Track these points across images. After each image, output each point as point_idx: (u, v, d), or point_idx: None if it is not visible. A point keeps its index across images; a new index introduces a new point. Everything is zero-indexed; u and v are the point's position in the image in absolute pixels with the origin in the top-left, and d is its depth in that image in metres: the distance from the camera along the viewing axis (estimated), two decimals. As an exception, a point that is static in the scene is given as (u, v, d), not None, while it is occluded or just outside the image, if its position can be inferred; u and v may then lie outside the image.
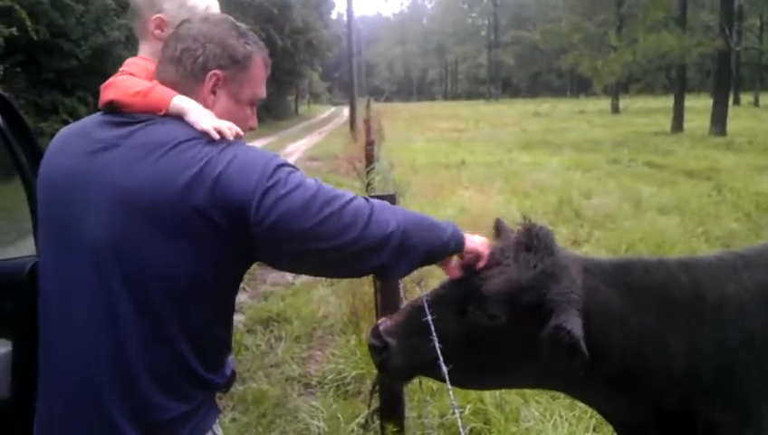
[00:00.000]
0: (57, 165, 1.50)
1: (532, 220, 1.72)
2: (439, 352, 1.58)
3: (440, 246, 1.58)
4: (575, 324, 1.49)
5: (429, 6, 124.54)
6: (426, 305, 1.68)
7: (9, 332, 2.07)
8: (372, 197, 1.58)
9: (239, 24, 1.58)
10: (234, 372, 1.67)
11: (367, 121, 15.08)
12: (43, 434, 1.47)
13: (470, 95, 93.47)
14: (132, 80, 1.53)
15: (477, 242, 1.67)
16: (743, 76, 51.00)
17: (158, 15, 1.68)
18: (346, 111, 37.78)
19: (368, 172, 8.00)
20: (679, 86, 27.85)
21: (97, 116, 1.54)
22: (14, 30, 12.90)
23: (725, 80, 25.30)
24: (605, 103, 45.08)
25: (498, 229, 1.79)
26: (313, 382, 4.33)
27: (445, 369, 1.55)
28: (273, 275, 6.65)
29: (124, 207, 1.36)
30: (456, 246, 1.61)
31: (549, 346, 1.51)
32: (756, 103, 42.79)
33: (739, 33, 36.78)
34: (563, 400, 3.47)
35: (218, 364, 1.56)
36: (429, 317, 1.64)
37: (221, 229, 1.35)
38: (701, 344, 1.66)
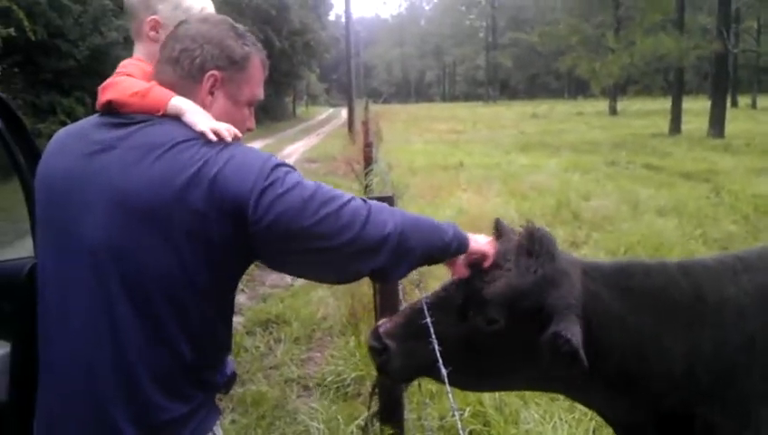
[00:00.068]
0: (55, 166, 1.50)
1: (534, 223, 1.72)
2: (439, 354, 1.57)
3: (441, 248, 1.57)
4: (574, 332, 1.49)
5: (427, 8, 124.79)
6: (425, 308, 1.68)
7: (8, 333, 2.07)
8: (371, 198, 1.58)
9: (237, 25, 1.57)
10: (234, 373, 1.67)
11: (365, 123, 15.10)
12: (42, 436, 1.46)
13: (468, 97, 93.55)
14: (130, 80, 1.52)
15: (482, 242, 1.67)
16: (740, 78, 51.13)
17: (152, 17, 1.68)
18: (344, 112, 37.85)
19: (366, 174, 8.01)
20: (677, 88, 27.91)
21: (95, 117, 1.54)
22: (11, 30, 12.89)
23: (723, 82, 25.36)
24: (603, 105, 45.14)
25: (498, 230, 1.78)
26: (312, 384, 4.32)
27: (444, 372, 1.55)
28: (272, 277, 6.65)
29: (122, 208, 1.36)
30: (459, 246, 1.61)
31: (548, 352, 1.51)
32: (754, 105, 42.88)
33: (736, 35, 36.86)
34: (563, 402, 3.47)
35: (218, 364, 1.55)
36: (429, 320, 1.64)
37: (219, 229, 1.35)
38: (701, 347, 1.66)
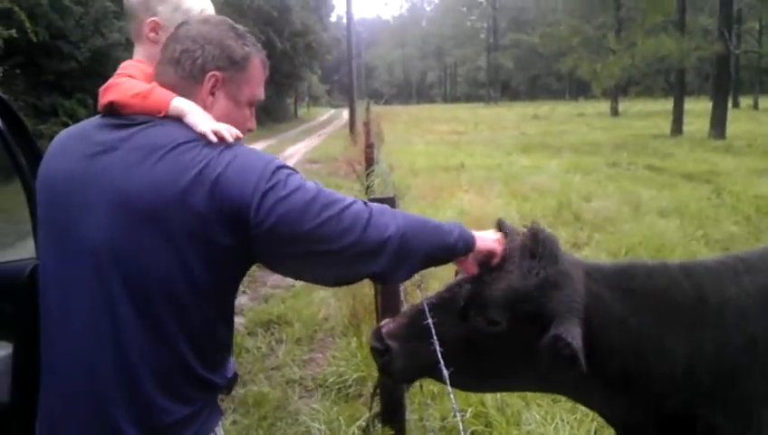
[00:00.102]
0: (57, 167, 1.50)
1: (538, 224, 1.72)
2: (440, 355, 1.57)
3: (445, 249, 1.57)
4: (575, 335, 1.49)
5: (428, 9, 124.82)
6: (426, 309, 1.68)
7: (9, 334, 2.07)
8: (372, 199, 1.59)
9: (237, 25, 1.58)
10: (235, 374, 1.67)
11: (366, 124, 15.10)
12: (43, 437, 1.47)
13: (469, 98, 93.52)
14: (131, 81, 1.53)
15: (490, 240, 1.67)
16: (742, 79, 51.09)
17: (152, 18, 1.68)
18: (345, 113, 37.82)
19: (367, 175, 8.01)
20: (678, 89, 27.88)
21: (96, 119, 1.54)
22: (13, 32, 12.90)
23: (725, 83, 25.34)
24: (604, 106, 45.11)
25: (501, 230, 1.78)
26: (314, 385, 4.32)
27: (445, 372, 1.55)
28: (274, 278, 6.65)
29: (123, 209, 1.36)
30: (465, 246, 1.60)
31: (548, 355, 1.51)
32: (755, 106, 42.84)
33: (738, 36, 36.89)
34: (565, 403, 3.46)
35: (219, 365, 1.55)
36: (430, 320, 1.64)
37: (220, 231, 1.35)
38: (703, 348, 1.66)
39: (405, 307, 2.89)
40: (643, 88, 54.01)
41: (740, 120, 28.60)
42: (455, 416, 1.51)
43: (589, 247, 7.45)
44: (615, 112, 41.12)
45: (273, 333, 5.22)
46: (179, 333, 1.39)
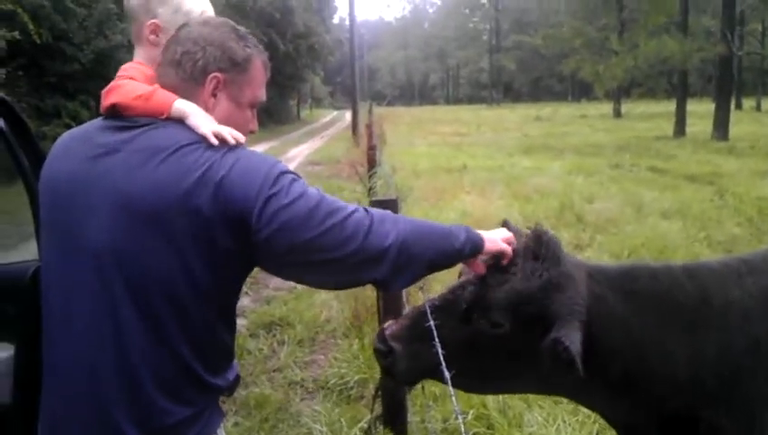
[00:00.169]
0: (59, 169, 1.50)
1: (541, 226, 1.71)
2: (442, 357, 1.57)
3: (450, 254, 1.56)
4: (574, 339, 1.49)
5: (431, 11, 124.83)
6: (429, 311, 1.68)
7: (12, 336, 2.07)
8: (374, 201, 1.58)
9: (238, 27, 1.57)
10: (237, 376, 1.67)
11: (369, 126, 15.09)
12: (45, 439, 1.47)
13: (472, 100, 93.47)
14: (133, 84, 1.53)
15: (499, 239, 1.66)
16: (745, 81, 51.05)
17: (152, 21, 1.68)
18: (348, 115, 37.87)
19: (370, 177, 8.02)
20: (681, 91, 27.85)
21: (99, 121, 1.54)
22: (16, 34, 12.93)
23: (727, 84, 25.29)
24: (607, 108, 45.07)
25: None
26: (316, 387, 4.32)
27: (447, 374, 1.55)
28: (276, 280, 6.64)
29: (126, 212, 1.36)
30: (473, 249, 1.59)
31: (548, 357, 1.51)
32: (758, 108, 42.78)
33: (741, 37, 36.82)
34: (566, 405, 3.46)
35: (221, 368, 1.55)
36: (432, 322, 1.64)
37: (222, 233, 1.35)
38: (706, 350, 1.66)
39: (407, 309, 2.89)
40: (646, 89, 53.90)
41: (743, 122, 28.55)
42: (456, 418, 1.51)
43: (591, 249, 7.44)
44: (618, 114, 41.07)
45: (274, 335, 5.22)
46: (180, 335, 1.39)
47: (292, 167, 1.50)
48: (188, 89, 1.50)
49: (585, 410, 3.06)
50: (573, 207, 9.67)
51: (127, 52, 15.56)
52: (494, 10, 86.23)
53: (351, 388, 4.16)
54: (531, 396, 3.53)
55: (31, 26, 13.50)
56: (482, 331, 1.64)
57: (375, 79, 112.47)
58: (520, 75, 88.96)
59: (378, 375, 3.10)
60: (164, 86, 1.50)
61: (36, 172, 1.92)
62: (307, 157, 21.02)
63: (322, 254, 1.38)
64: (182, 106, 1.45)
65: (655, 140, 23.53)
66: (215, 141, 1.39)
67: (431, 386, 3.20)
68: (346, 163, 16.34)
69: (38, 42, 13.96)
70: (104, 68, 15.33)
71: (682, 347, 1.65)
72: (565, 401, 3.31)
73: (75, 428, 1.41)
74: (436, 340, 1.60)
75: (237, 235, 1.35)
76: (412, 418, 3.32)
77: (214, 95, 1.52)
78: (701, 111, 31.76)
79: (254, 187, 1.34)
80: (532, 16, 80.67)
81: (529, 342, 1.59)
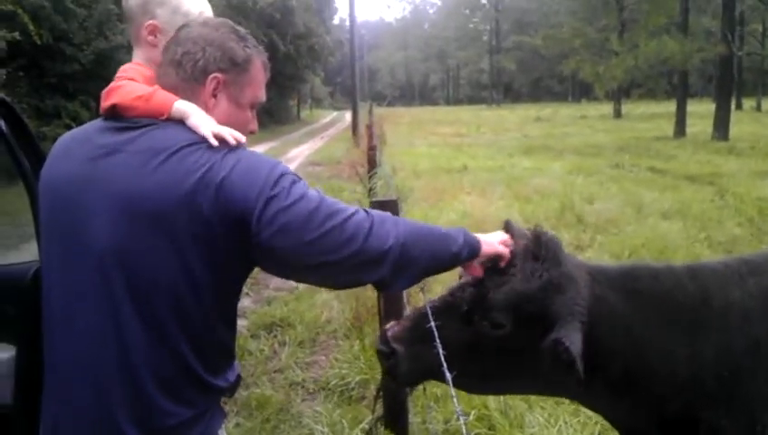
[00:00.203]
0: (59, 171, 1.50)
1: (541, 227, 1.71)
2: (443, 358, 1.57)
3: (448, 257, 1.56)
4: (574, 339, 1.49)
5: (431, 12, 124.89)
6: (430, 312, 1.68)
7: (12, 336, 2.07)
8: (375, 202, 1.58)
9: (238, 27, 1.58)
10: (239, 377, 1.67)
11: (369, 126, 15.09)
12: (47, 440, 1.47)
13: (472, 100, 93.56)
14: (133, 84, 1.52)
15: (496, 243, 1.66)
16: (745, 81, 51.06)
17: (151, 21, 1.67)
18: (348, 115, 37.88)
19: (370, 177, 8.01)
20: (681, 91, 27.85)
21: (98, 122, 1.54)
22: (16, 34, 12.94)
23: (728, 85, 25.29)
24: (607, 108, 45.06)
25: (508, 231, 1.78)
26: (317, 388, 4.32)
27: (448, 375, 1.55)
28: (277, 281, 6.64)
29: (126, 212, 1.36)
30: (471, 252, 1.59)
31: (548, 358, 1.51)
32: (759, 108, 42.77)
33: (741, 38, 36.86)
34: (568, 405, 3.46)
35: (222, 369, 1.55)
36: (433, 323, 1.64)
37: (223, 234, 1.35)
38: (706, 351, 1.66)
39: (408, 310, 2.89)
40: (646, 90, 54.00)
41: (743, 122, 28.55)
42: (458, 419, 1.51)
43: (591, 249, 7.43)
44: (618, 114, 41.07)
45: (275, 336, 5.21)
46: (181, 335, 1.39)
47: (292, 167, 1.49)
48: (189, 89, 1.50)
49: (586, 411, 3.06)
50: (574, 208, 9.67)
51: (127, 52, 15.42)
52: (494, 11, 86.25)
53: (352, 389, 4.16)
54: (532, 397, 3.53)
55: (31, 27, 13.52)
56: (483, 332, 1.65)
57: (375, 79, 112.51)
58: (520, 76, 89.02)
59: (379, 376, 3.09)
60: (164, 86, 1.50)
61: (36, 173, 1.92)
62: (307, 157, 21.02)
63: (323, 256, 1.38)
64: (182, 107, 1.45)
65: (655, 140, 23.53)
66: (215, 142, 1.39)
67: (432, 387, 3.20)
68: (346, 164, 16.36)
69: (38, 42, 13.97)
70: (104, 69, 15.33)
71: (683, 347, 1.65)
72: (567, 401, 3.31)
73: (76, 428, 1.41)
74: (438, 341, 1.60)
75: (238, 235, 1.35)
76: (413, 419, 3.32)
77: (214, 96, 1.52)
78: (701, 111, 31.76)
79: (255, 188, 1.34)
80: (532, 17, 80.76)
81: (530, 342, 1.59)
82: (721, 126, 22.82)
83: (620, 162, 15.96)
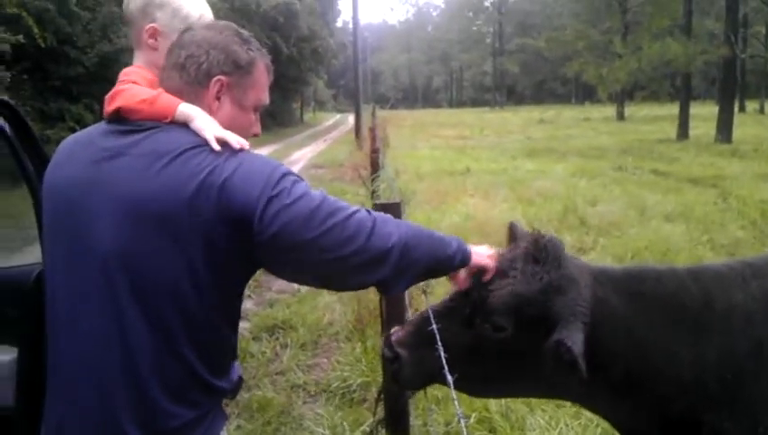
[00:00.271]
0: (63, 173, 1.50)
1: (540, 231, 1.72)
2: (445, 362, 1.57)
3: (445, 261, 1.57)
4: (576, 340, 1.49)
5: (434, 14, 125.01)
6: (431, 316, 1.68)
7: (15, 339, 2.08)
8: (377, 205, 1.59)
9: (242, 30, 1.58)
10: (240, 378, 1.67)
11: (372, 129, 15.10)
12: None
13: (475, 102, 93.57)
14: (137, 88, 1.53)
15: (484, 255, 1.67)
16: (748, 84, 50.96)
17: (151, 25, 1.68)
18: (351, 118, 37.94)
19: (373, 180, 8.02)
20: (685, 94, 27.79)
21: (102, 125, 1.54)
22: (21, 37, 12.98)
23: (731, 87, 25.26)
24: (610, 111, 45.01)
25: (513, 234, 1.78)
26: (318, 390, 4.32)
27: (450, 379, 1.55)
28: (279, 283, 6.65)
29: (130, 215, 1.36)
30: (462, 259, 1.61)
31: (551, 359, 1.51)
32: (762, 111, 42.68)
33: (744, 40, 36.82)
34: (569, 408, 3.46)
35: (225, 370, 1.56)
36: (435, 327, 1.64)
37: (225, 236, 1.35)
38: (709, 353, 1.65)
39: (410, 313, 2.89)
40: (649, 92, 53.85)
41: (746, 125, 28.50)
42: (459, 422, 1.51)
43: (594, 252, 7.42)
44: (621, 117, 41.00)
45: (277, 338, 5.22)
46: (185, 337, 1.40)
47: (295, 170, 1.50)
48: (192, 92, 1.50)
49: (588, 413, 3.06)
50: (576, 210, 9.66)
51: (130, 55, 15.57)
52: (497, 13, 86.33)
53: (354, 391, 4.16)
54: (533, 400, 3.52)
55: (35, 30, 13.58)
56: (484, 335, 1.65)
57: (378, 82, 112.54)
58: (523, 78, 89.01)
59: (380, 378, 3.09)
60: (168, 89, 1.50)
61: (40, 176, 1.92)
62: (310, 160, 21.04)
63: (324, 254, 1.38)
64: (186, 110, 1.46)
65: (658, 142, 23.50)
66: (216, 147, 1.40)
67: (433, 390, 3.19)
68: (349, 166, 16.37)
69: (42, 45, 14.04)
70: (108, 71, 15.38)
71: (685, 349, 1.65)
72: (568, 404, 3.31)
73: (82, 428, 1.41)
74: (439, 344, 1.60)
75: (240, 236, 1.36)
76: (414, 421, 3.31)
77: (217, 98, 1.52)
78: (704, 113, 31.69)
79: (257, 189, 1.35)
80: (535, 19, 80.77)
81: (532, 345, 1.59)
82: (724, 128, 22.78)
83: (623, 165, 15.95)
